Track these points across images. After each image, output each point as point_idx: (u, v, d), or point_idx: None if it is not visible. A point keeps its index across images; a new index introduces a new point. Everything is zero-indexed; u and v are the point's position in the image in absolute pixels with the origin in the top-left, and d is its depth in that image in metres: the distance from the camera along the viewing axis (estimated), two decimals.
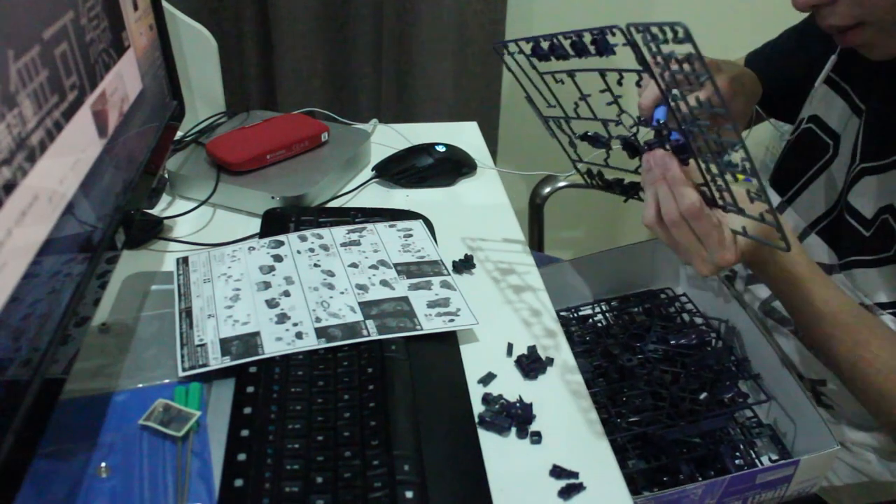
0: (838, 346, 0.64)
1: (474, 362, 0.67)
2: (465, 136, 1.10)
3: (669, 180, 0.57)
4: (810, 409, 0.72)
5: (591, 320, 0.96)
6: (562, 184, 1.29)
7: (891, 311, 0.68)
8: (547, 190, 1.29)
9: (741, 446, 0.77)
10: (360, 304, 0.70)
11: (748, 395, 0.82)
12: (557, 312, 0.75)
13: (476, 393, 0.64)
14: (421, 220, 0.85)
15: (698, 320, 0.91)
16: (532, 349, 0.68)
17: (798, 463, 0.69)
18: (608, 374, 0.84)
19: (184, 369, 0.62)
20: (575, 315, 0.98)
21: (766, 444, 0.78)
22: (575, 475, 0.57)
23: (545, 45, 0.62)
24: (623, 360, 0.82)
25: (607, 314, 0.96)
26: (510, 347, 0.69)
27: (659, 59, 0.52)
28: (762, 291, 0.86)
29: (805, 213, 0.80)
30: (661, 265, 0.99)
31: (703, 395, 0.78)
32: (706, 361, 0.83)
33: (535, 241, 1.35)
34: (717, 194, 0.57)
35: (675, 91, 0.53)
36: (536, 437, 0.60)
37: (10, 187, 0.43)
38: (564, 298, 0.97)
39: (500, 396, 0.63)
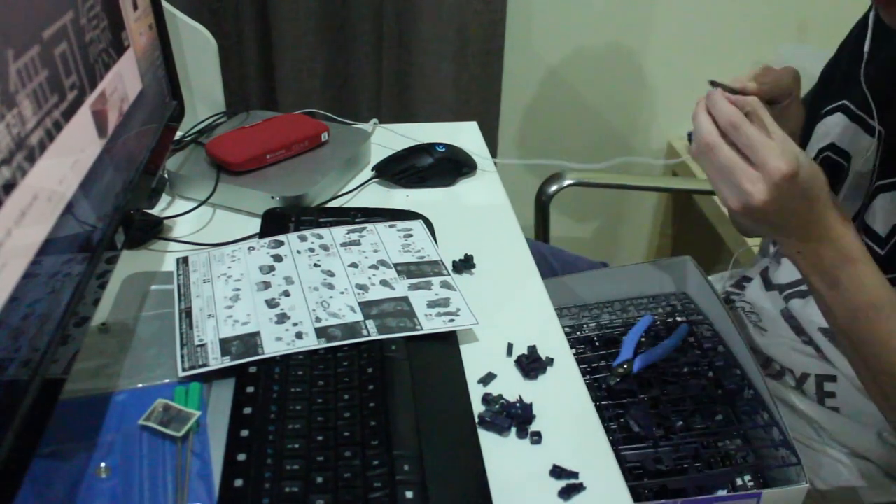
0: (879, 329, 0.62)
1: (474, 362, 0.67)
2: (465, 136, 1.10)
3: (710, 102, 0.60)
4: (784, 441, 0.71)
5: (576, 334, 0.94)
6: (567, 182, 1.30)
7: None
8: (553, 188, 1.30)
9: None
10: (360, 304, 0.70)
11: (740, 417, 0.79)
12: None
13: (476, 393, 0.64)
14: (421, 220, 0.85)
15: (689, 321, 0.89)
16: (532, 349, 0.68)
17: (759, 496, 0.67)
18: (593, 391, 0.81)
19: (184, 369, 0.62)
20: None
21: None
22: (575, 475, 0.57)
23: None
24: (607, 380, 0.80)
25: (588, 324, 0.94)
26: (510, 347, 0.69)
27: None
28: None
29: None
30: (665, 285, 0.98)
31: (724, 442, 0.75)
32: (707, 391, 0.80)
33: (542, 239, 1.36)
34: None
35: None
36: (536, 437, 0.60)
37: (9, 187, 0.43)
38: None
39: (500, 396, 0.63)
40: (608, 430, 0.69)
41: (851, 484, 0.78)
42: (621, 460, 0.70)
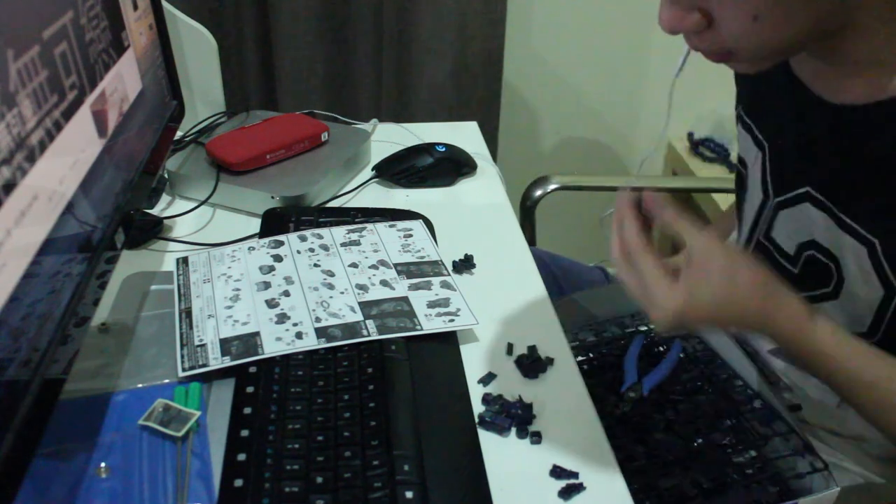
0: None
1: (474, 362, 0.67)
2: (465, 136, 1.10)
3: (618, 216, 0.59)
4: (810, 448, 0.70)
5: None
6: (553, 186, 1.28)
7: None
8: (538, 193, 1.28)
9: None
10: (360, 304, 0.70)
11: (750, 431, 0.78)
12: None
13: (476, 393, 0.64)
14: (421, 220, 0.85)
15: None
16: (532, 349, 0.68)
17: None
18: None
19: (184, 369, 0.62)
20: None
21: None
22: (575, 475, 0.57)
23: None
24: (621, 408, 0.76)
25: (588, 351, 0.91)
26: (510, 347, 0.69)
27: None
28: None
29: None
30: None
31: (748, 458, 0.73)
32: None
33: (528, 243, 1.35)
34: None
35: None
36: (536, 437, 0.60)
37: (9, 187, 0.43)
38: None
39: (500, 396, 0.63)
40: (631, 459, 0.68)
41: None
42: (654, 490, 0.69)
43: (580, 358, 0.85)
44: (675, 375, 0.80)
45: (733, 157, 1.61)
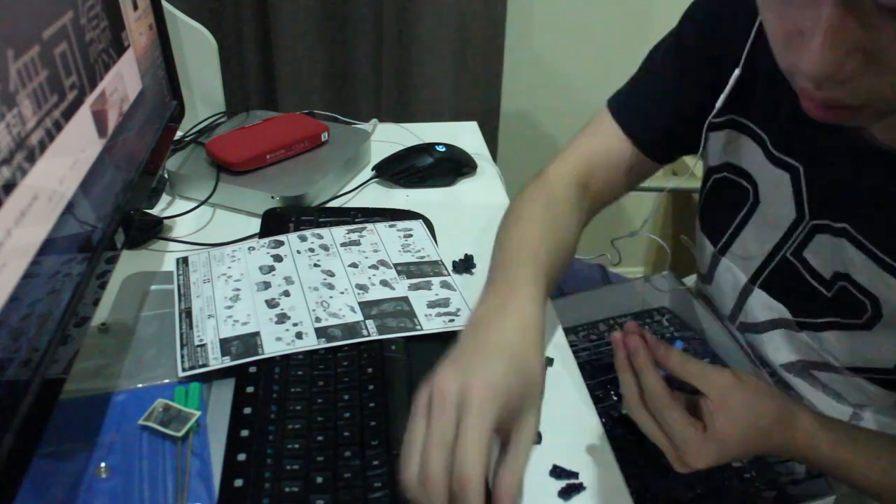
0: None
1: None
2: (465, 136, 1.10)
3: (637, 365, 0.57)
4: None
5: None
6: None
7: (866, 375, 0.65)
8: None
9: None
10: (360, 304, 0.70)
11: None
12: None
13: None
14: (421, 220, 0.85)
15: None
16: None
17: None
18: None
19: (184, 369, 0.62)
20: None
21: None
22: (575, 475, 0.57)
23: None
24: (618, 409, 0.77)
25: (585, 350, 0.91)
26: None
27: None
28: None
29: (743, 265, 0.74)
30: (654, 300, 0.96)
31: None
32: None
33: None
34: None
35: None
36: (536, 437, 0.60)
37: (9, 187, 0.43)
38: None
39: None
40: (631, 462, 0.67)
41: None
42: (648, 492, 0.69)
43: (580, 358, 0.85)
44: (676, 378, 0.80)
45: None
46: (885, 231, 0.60)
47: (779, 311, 0.71)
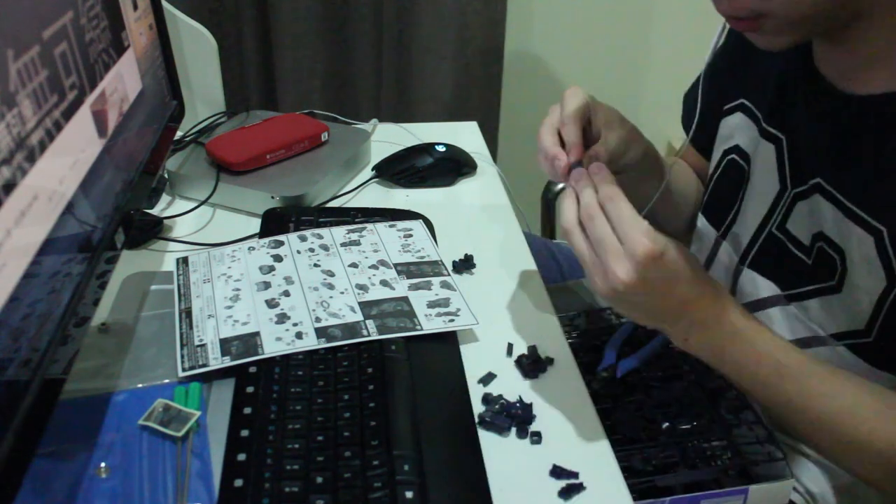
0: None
1: (474, 362, 0.67)
2: (465, 136, 1.10)
3: (578, 182, 0.61)
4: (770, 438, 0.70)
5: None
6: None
7: (846, 341, 0.65)
8: (560, 185, 1.30)
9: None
10: (360, 304, 0.70)
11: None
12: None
13: (476, 393, 0.64)
14: (421, 220, 0.85)
15: None
16: (532, 349, 0.68)
17: (747, 492, 0.67)
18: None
19: (184, 369, 0.62)
20: None
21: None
22: (575, 475, 0.57)
23: None
24: (591, 385, 0.79)
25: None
26: (510, 347, 0.69)
27: None
28: None
29: (736, 246, 0.77)
30: None
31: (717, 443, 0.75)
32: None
33: (547, 236, 1.36)
34: None
35: None
36: (536, 437, 0.60)
37: (9, 187, 0.43)
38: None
39: (500, 396, 0.63)
40: None
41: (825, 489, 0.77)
42: None
43: (568, 340, 0.86)
44: (656, 362, 0.81)
45: None
46: (852, 180, 0.62)
47: (769, 288, 0.72)
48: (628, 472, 0.71)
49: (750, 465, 0.71)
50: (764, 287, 0.73)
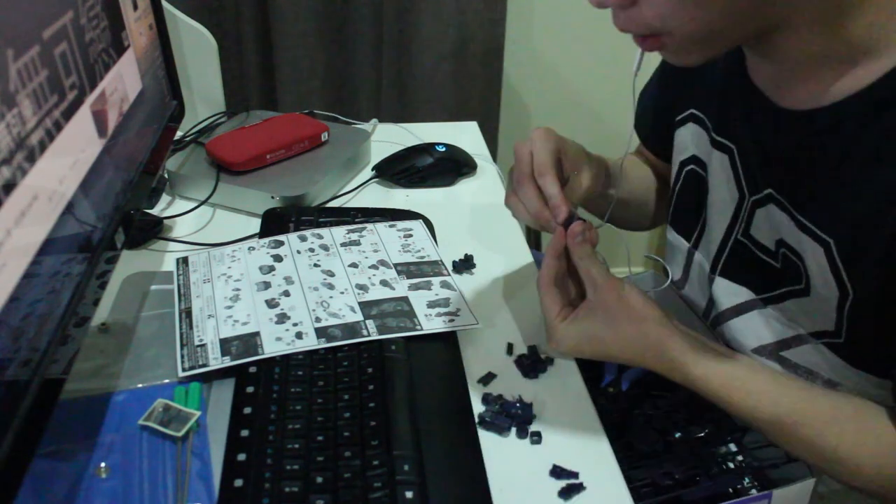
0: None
1: (474, 362, 0.67)
2: (465, 136, 1.10)
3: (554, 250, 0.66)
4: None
5: None
6: None
7: (823, 340, 0.65)
8: None
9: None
10: (360, 304, 0.70)
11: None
12: None
13: (476, 393, 0.64)
14: (421, 220, 0.85)
15: None
16: (532, 349, 0.68)
17: (770, 496, 0.67)
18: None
19: (184, 369, 0.62)
20: None
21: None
22: (575, 475, 0.57)
23: None
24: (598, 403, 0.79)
25: None
26: (510, 347, 0.69)
27: None
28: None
29: (707, 255, 0.76)
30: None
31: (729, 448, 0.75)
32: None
33: (533, 242, 1.36)
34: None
35: None
36: (536, 437, 0.60)
37: (9, 187, 0.43)
38: None
39: (500, 396, 0.63)
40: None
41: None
42: (629, 481, 0.69)
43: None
44: (657, 373, 0.81)
45: None
46: (796, 192, 0.62)
47: (743, 294, 0.72)
48: (653, 487, 0.70)
49: (768, 469, 0.71)
50: (738, 293, 0.72)
